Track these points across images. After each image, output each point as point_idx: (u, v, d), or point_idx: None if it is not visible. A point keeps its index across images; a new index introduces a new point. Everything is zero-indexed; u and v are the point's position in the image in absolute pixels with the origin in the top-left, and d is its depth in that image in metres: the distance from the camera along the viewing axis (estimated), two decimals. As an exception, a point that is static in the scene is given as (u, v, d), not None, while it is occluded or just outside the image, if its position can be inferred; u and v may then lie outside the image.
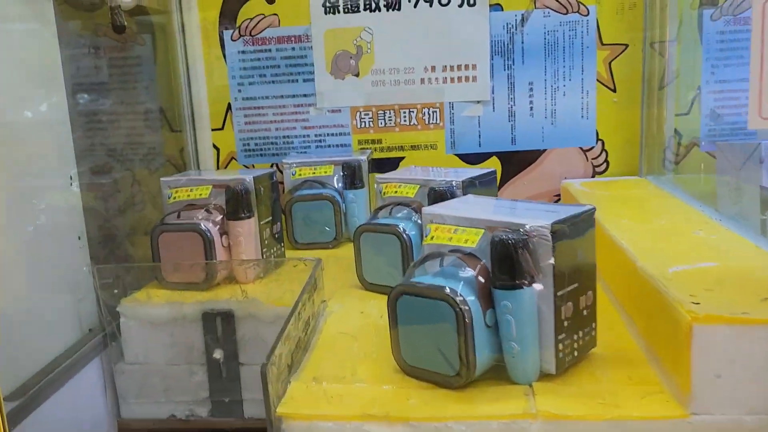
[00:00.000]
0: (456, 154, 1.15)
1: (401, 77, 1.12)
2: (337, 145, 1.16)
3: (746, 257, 0.65)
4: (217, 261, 0.84)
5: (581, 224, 0.59)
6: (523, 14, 1.09)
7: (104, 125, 1.11)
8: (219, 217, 0.88)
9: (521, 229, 0.56)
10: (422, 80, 1.12)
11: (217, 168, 1.18)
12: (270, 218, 0.94)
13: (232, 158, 1.18)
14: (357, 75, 1.13)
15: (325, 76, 1.14)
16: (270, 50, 1.13)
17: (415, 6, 1.10)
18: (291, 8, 1.12)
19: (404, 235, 0.79)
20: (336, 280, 0.88)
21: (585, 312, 0.60)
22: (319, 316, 0.76)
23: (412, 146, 1.15)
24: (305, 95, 1.15)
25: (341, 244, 1.06)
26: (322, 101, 1.15)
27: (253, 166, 1.18)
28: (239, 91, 1.15)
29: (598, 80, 1.11)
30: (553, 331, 0.57)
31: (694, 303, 0.53)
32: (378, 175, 0.88)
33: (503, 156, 1.14)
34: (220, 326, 0.82)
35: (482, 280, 0.57)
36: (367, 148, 1.15)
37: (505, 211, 0.62)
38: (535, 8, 1.09)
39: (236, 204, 0.88)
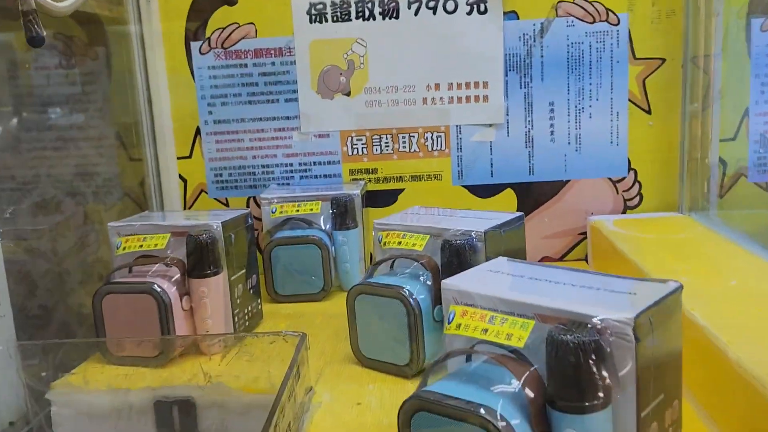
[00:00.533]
0: (464, 186, 0.98)
1: (400, 96, 0.96)
2: (325, 176, 0.99)
3: None
4: (173, 336, 0.67)
5: (666, 310, 0.42)
6: (542, 23, 0.93)
7: (48, 152, 0.94)
8: (178, 274, 0.71)
9: (590, 324, 0.39)
10: (425, 100, 0.96)
11: (185, 203, 1.00)
12: (244, 270, 0.77)
13: (202, 191, 1.00)
14: (348, 94, 0.96)
15: (310, 96, 0.97)
16: (246, 65, 0.96)
17: (416, 13, 0.94)
18: (270, 16, 0.95)
19: (411, 301, 0.62)
20: (324, 351, 0.71)
21: (671, 431, 0.43)
22: (304, 412, 0.59)
23: (412, 176, 0.98)
24: (287, 118, 0.98)
25: (330, 296, 0.89)
26: (307, 125, 0.98)
27: (227, 200, 1.01)
28: (210, 113, 0.98)
29: (630, 100, 0.95)
30: (636, 469, 0.40)
31: None
32: (377, 221, 0.71)
33: (519, 188, 0.98)
34: (177, 418, 0.64)
35: (531, 395, 0.40)
36: (361, 179, 0.99)
37: (563, 290, 0.45)
38: (557, 16, 0.93)
39: (200, 258, 0.70)
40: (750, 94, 0.94)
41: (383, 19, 0.94)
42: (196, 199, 1.01)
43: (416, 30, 0.94)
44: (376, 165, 0.98)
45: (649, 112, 0.95)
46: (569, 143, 0.96)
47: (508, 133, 0.96)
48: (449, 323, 0.46)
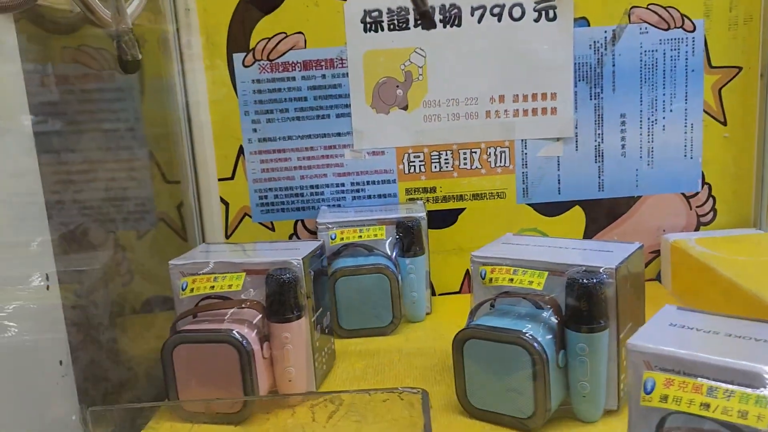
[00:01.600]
0: (529, 204, 0.92)
1: (461, 110, 0.89)
2: (379, 195, 0.92)
3: None
4: (271, 396, 0.59)
5: None
6: (614, 30, 0.87)
7: (74, 176, 0.85)
8: (257, 318, 0.63)
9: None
10: (488, 113, 0.89)
11: (226, 227, 0.92)
12: (321, 309, 0.70)
13: (246, 215, 0.92)
14: (405, 108, 0.89)
15: (364, 110, 0.89)
16: (294, 78, 0.89)
17: (479, 21, 0.87)
18: (320, 25, 0.87)
19: (536, 346, 0.55)
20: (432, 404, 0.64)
21: None
22: (432, 480, 0.52)
23: (474, 195, 0.92)
24: (339, 134, 0.90)
25: (400, 329, 0.82)
26: (360, 142, 0.90)
27: (272, 224, 0.93)
28: (254, 130, 0.90)
29: (705, 111, 0.89)
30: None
31: None
32: (475, 253, 0.65)
33: (588, 205, 0.92)
34: (272, 486, 0.56)
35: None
36: (418, 198, 0.92)
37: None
38: (630, 23, 0.87)
39: (282, 300, 0.63)
40: (829, 103, 0.89)
41: (444, 26, 0.87)
42: (239, 224, 0.92)
43: (479, 38, 0.87)
44: (434, 183, 0.92)
45: (724, 123, 0.90)
46: (641, 157, 0.91)
47: (576, 147, 0.90)
48: (647, 393, 0.39)
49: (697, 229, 0.92)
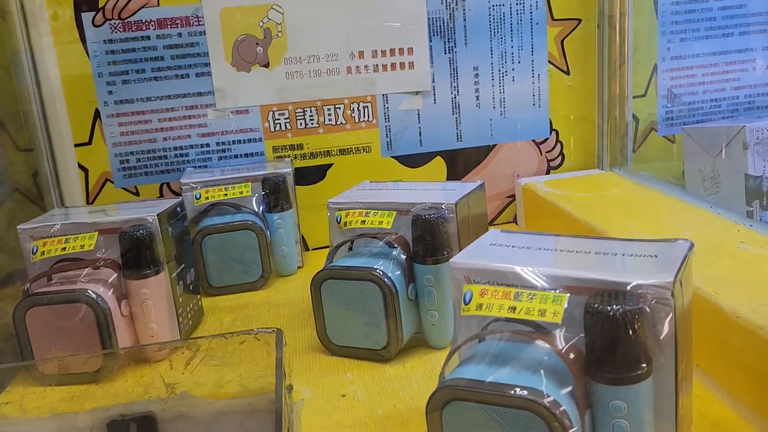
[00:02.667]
0: (393, 157, 0.95)
1: (322, 66, 0.91)
2: (246, 155, 0.92)
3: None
4: (132, 347, 0.59)
5: (687, 270, 0.42)
6: (463, -14, 0.91)
7: None
8: (112, 276, 0.63)
9: (629, 292, 0.38)
10: (348, 69, 0.91)
11: (87, 195, 0.90)
12: (183, 265, 0.70)
13: (107, 180, 0.90)
14: (266, 66, 0.90)
15: (225, 69, 0.89)
16: (148, 37, 0.87)
17: (334, -23, 0.88)
18: (173, -19, 0.86)
19: (386, 281, 0.59)
20: (286, 343, 0.66)
21: (686, 386, 0.44)
22: (290, 412, 0.54)
23: (340, 150, 0.94)
24: (200, 94, 0.90)
25: (270, 284, 0.84)
26: (222, 100, 0.90)
27: (136, 189, 0.91)
28: (110, 92, 0.88)
29: (550, 62, 0.96)
30: (674, 429, 0.40)
31: None
32: (331, 200, 0.67)
33: (448, 155, 0.96)
34: (135, 437, 0.57)
35: (573, 369, 0.39)
36: (286, 156, 0.93)
37: (582, 259, 0.43)
38: (477, -22, 0.91)
39: (137, 256, 0.62)
40: (658, 52, 0.98)
41: (299, -17, 0.88)
42: (100, 190, 0.90)
43: (335, -6, 0.89)
44: (301, 140, 0.93)
45: (568, 72, 0.96)
46: (494, 107, 0.96)
47: (435, 100, 0.94)
48: (466, 304, 0.43)
49: (547, 173, 0.99)
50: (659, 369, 0.39)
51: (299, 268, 0.89)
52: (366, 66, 0.91)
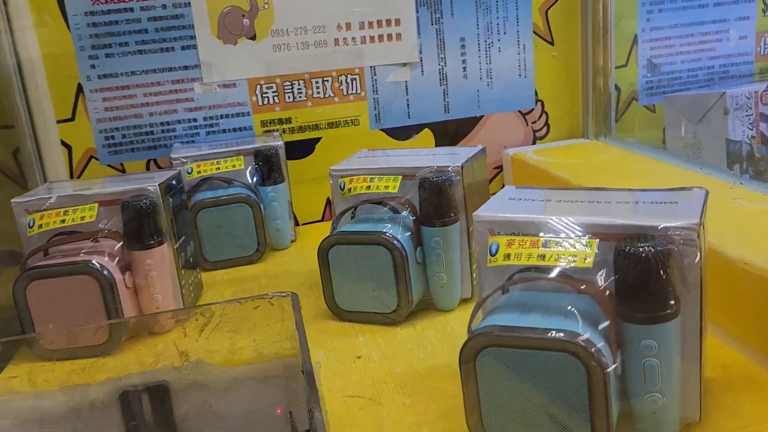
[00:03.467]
0: (382, 129, 0.95)
1: (310, 38, 0.90)
2: (234, 129, 0.91)
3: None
4: (137, 317, 0.58)
5: (704, 215, 0.43)
6: (449, -44, 0.91)
7: None
8: (115, 248, 0.61)
9: (657, 235, 0.39)
10: (336, 41, 0.91)
11: (71, 173, 0.87)
12: (183, 238, 0.69)
13: (92, 157, 0.88)
14: (253, 38, 0.89)
15: (211, 41, 0.88)
16: (131, 9, 0.85)
17: (320, -53, 0.87)
18: (156, -49, 0.84)
19: (396, 244, 0.59)
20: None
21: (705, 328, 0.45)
22: (309, 375, 0.54)
23: (329, 123, 0.94)
24: (186, 67, 0.88)
25: (266, 258, 0.83)
26: (209, 74, 0.89)
27: (122, 166, 0.89)
28: (93, 66, 0.85)
29: (534, 32, 0.97)
30: (699, 369, 0.42)
31: None
32: (333, 167, 0.67)
33: (436, 127, 0.97)
34: (149, 407, 0.56)
35: (604, 312, 0.40)
36: (274, 130, 0.92)
37: (605, 207, 0.44)
38: (463, -51, 0.92)
39: (140, 226, 0.61)
40: (638, 22, 1.00)
41: (286, -47, 0.87)
42: (84, 168, 0.88)
43: (322, -35, 0.88)
44: (289, 114, 0.92)
45: (552, 43, 0.98)
46: (481, 78, 0.97)
47: (422, 71, 0.94)
48: (492, 255, 0.44)
49: (533, 143, 1.01)
50: (686, 309, 0.40)
51: (292, 241, 0.88)
52: (353, 38, 0.91)
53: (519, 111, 0.99)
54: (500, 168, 1.00)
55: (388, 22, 0.91)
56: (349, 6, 0.90)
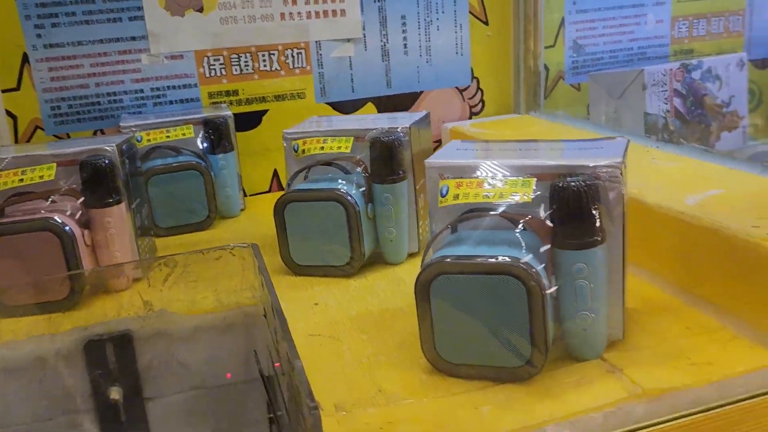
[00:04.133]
0: (327, 103, 0.99)
1: (257, 12, 0.92)
2: (181, 101, 0.93)
3: (736, 180, 0.62)
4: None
5: (625, 159, 0.49)
6: (390, -63, 0.96)
7: None
8: (73, 206, 0.63)
9: (587, 172, 0.45)
10: (282, 15, 0.94)
11: (17, 143, 0.87)
12: (138, 200, 0.71)
13: (37, 128, 0.88)
14: (200, 10, 0.90)
15: (158, 12, 0.89)
16: (78, -21, 0.85)
17: (266, -77, 0.90)
18: None
19: (349, 199, 0.63)
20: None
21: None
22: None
23: (276, 96, 0.96)
24: (133, 38, 0.89)
25: (216, 225, 0.86)
26: (156, 45, 0.90)
27: (69, 137, 0.89)
28: (38, 36, 0.85)
29: (471, 12, 1.02)
30: (622, 292, 0.48)
31: (769, 234, 0.47)
32: (287, 130, 0.70)
33: (379, 101, 1.01)
34: (113, 356, 0.58)
35: (541, 240, 0.45)
36: (221, 102, 0.94)
37: (539, 153, 0.50)
38: (403, -70, 0.96)
39: (99, 185, 0.63)
40: (564, 5, 1.07)
41: (232, -72, 0.89)
42: (30, 138, 0.88)
43: (268, -59, 0.90)
44: (236, 86, 0.94)
45: (487, 23, 1.04)
46: (421, 55, 1.02)
47: (365, 47, 0.98)
48: (443, 197, 0.48)
49: (470, 118, 1.07)
50: (611, 238, 0.46)
51: (242, 210, 0.91)
52: (299, 12, 0.94)
53: (456, 87, 1.05)
54: (439, 142, 1.05)
55: (333, -2, 0.95)
56: (294, -18, 0.93)
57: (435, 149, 1.03)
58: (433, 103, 1.04)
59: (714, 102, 1.01)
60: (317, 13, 0.95)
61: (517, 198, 0.46)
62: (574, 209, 0.44)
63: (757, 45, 1.20)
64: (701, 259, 0.53)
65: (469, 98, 1.06)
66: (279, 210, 0.65)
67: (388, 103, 1.02)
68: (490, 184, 0.47)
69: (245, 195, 0.97)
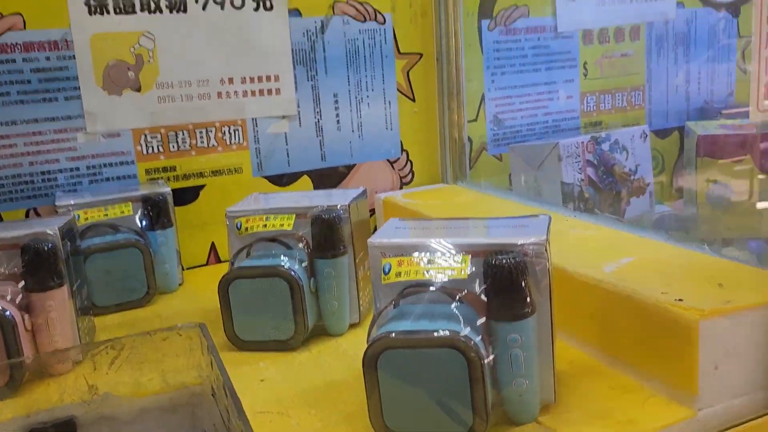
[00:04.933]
0: (264, 177, 1.02)
1: (194, 91, 0.95)
2: (118, 178, 0.94)
3: (645, 248, 0.69)
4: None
5: (548, 235, 0.54)
6: (322, 20, 1.02)
7: None
8: (14, 289, 0.63)
9: (516, 250, 0.50)
10: (219, 94, 0.97)
11: (-56, 223, 0.85)
12: (79, 281, 0.71)
13: (-34, 207, 0.86)
14: (138, 90, 0.92)
15: (95, 92, 0.90)
16: (14, 60, 0.86)
17: (203, 8, 0.94)
18: (40, 7, 0.86)
19: (293, 274, 0.66)
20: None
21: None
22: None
23: (213, 172, 0.99)
24: (69, 117, 0.90)
25: (155, 301, 0.86)
26: (93, 124, 0.91)
27: (0, 216, 0.88)
28: (-29, 115, 0.85)
29: (398, 90, 1.09)
30: (552, 359, 0.52)
31: (677, 299, 0.53)
32: (230, 208, 0.73)
33: (314, 174, 1.05)
34: (56, 444, 0.58)
35: (478, 314, 0.49)
36: (158, 178, 0.95)
37: (473, 231, 0.54)
38: (334, 14, 1.02)
39: (41, 269, 0.63)
40: (484, 83, 1.16)
41: (170, 12, 0.92)
42: (-41, 218, 0.86)
43: (206, 24, 0.94)
44: (174, 162, 0.96)
45: (414, 99, 1.10)
46: (353, 130, 1.07)
47: (300, 123, 1.03)
48: (386, 274, 0.52)
49: (401, 188, 1.12)
50: (540, 309, 0.50)
51: (180, 285, 0.91)
52: (236, 91, 0.98)
53: (387, 159, 1.10)
54: (373, 211, 1.09)
55: (268, 78, 0.99)
56: (231, 62, 0.97)
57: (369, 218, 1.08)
58: (365, 175, 1.09)
59: (623, 170, 1.10)
60: (253, 92, 0.99)
61: (453, 274, 0.50)
62: (505, 284, 0.48)
63: (656, 116, 1.33)
64: (618, 323, 0.58)
65: (400, 169, 1.11)
66: (223, 287, 0.67)
67: (322, 176, 1.06)
68: (429, 262, 0.51)
69: (183, 269, 0.98)
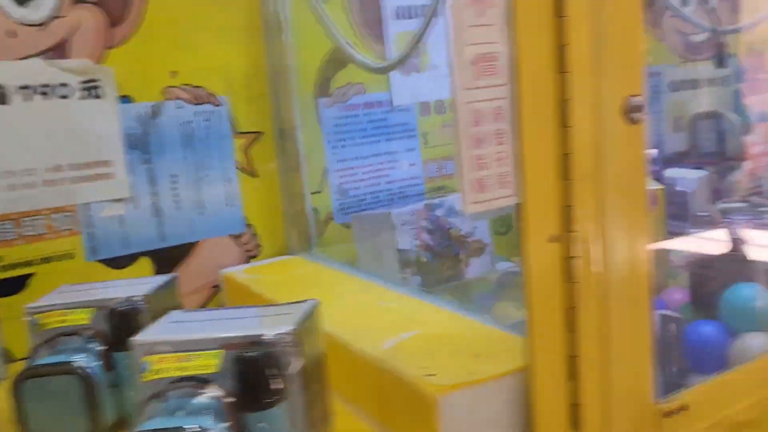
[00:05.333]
0: (99, 260, 1.02)
1: (19, 181, 0.95)
2: (-64, 272, 0.91)
3: (434, 320, 0.73)
4: None
5: (312, 321, 0.58)
6: (152, 107, 1.04)
7: None
8: None
9: (264, 341, 0.53)
10: (47, 182, 0.97)
11: None
12: None
13: None
14: (-43, 183, 0.92)
15: None
16: None
17: (25, 99, 0.95)
18: None
19: (87, 371, 0.66)
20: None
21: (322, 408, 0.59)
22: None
23: (42, 259, 0.98)
24: None
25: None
26: None
27: None
28: None
29: (239, 168, 1.12)
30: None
31: (428, 375, 0.57)
32: (29, 305, 0.72)
33: (154, 254, 1.06)
34: None
35: (227, 407, 0.51)
36: (-18, 270, 0.94)
37: (236, 322, 0.57)
38: (166, 99, 1.05)
39: None
40: (325, 156, 1.20)
41: (-10, 105, 0.93)
42: None
43: (30, 115, 0.95)
44: (-1, 253, 0.95)
45: (255, 175, 1.14)
46: (194, 209, 1.09)
47: (135, 206, 1.04)
48: (145, 372, 0.54)
49: (248, 262, 1.14)
50: (292, 395, 0.53)
51: (3, 379, 0.89)
52: (64, 178, 0.98)
53: (231, 235, 1.12)
54: (217, 287, 1.11)
55: (99, 163, 1.00)
56: (58, 150, 0.97)
57: (215, 295, 1.09)
58: (209, 251, 1.10)
59: (459, 233, 1.16)
60: (84, 178, 0.99)
61: (207, 368, 0.52)
62: (251, 376, 0.51)
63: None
64: (389, 397, 0.62)
65: (245, 244, 1.14)
66: (17, 388, 0.66)
67: (163, 255, 1.06)
68: (185, 358, 0.53)
69: (12, 360, 0.95)
